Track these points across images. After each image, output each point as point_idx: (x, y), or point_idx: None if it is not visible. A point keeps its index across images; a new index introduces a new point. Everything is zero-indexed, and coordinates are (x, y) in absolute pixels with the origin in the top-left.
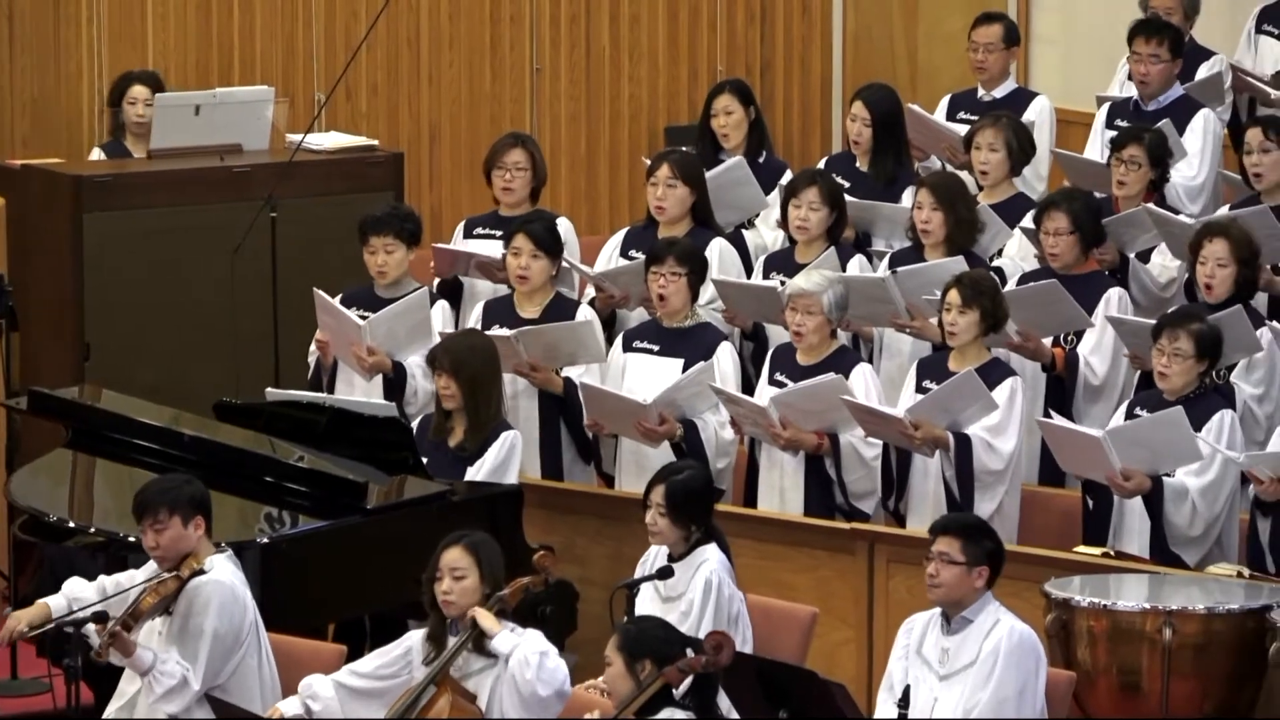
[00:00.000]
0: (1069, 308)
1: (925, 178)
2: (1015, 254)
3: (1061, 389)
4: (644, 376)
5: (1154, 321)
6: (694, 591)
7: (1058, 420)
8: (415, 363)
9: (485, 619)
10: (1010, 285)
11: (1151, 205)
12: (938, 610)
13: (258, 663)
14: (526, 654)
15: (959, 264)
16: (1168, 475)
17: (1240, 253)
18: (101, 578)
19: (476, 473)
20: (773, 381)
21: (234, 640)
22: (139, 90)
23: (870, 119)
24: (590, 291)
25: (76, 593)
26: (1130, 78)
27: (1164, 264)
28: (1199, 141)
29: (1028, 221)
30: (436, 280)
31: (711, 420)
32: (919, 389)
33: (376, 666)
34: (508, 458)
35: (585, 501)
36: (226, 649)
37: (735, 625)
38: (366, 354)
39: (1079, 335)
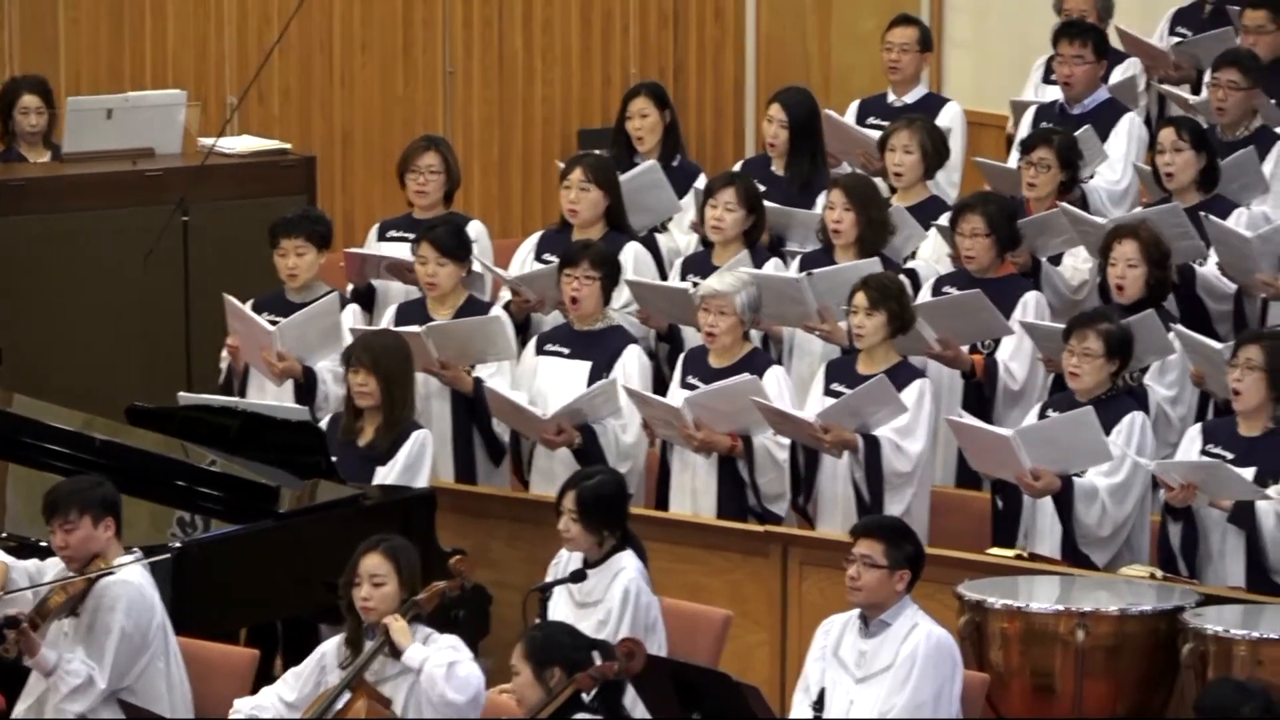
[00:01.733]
0: (990, 316)
1: (838, 179)
2: (929, 256)
3: (982, 396)
4: (555, 379)
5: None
6: (612, 600)
7: (967, 419)
8: (326, 367)
9: (397, 633)
10: (926, 288)
11: (1066, 205)
12: (855, 612)
13: (166, 665)
14: (435, 666)
15: (874, 265)
16: (1078, 475)
17: (1150, 253)
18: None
19: (389, 473)
20: (685, 384)
21: (141, 641)
22: (29, 100)
23: (787, 121)
24: (505, 295)
25: None
26: (1045, 80)
27: (1076, 266)
28: (1123, 145)
29: (944, 220)
30: (350, 285)
31: (611, 426)
32: (828, 391)
33: (299, 688)
34: (419, 457)
35: (498, 505)
36: (134, 649)
37: (652, 631)
38: (277, 359)
39: (996, 341)
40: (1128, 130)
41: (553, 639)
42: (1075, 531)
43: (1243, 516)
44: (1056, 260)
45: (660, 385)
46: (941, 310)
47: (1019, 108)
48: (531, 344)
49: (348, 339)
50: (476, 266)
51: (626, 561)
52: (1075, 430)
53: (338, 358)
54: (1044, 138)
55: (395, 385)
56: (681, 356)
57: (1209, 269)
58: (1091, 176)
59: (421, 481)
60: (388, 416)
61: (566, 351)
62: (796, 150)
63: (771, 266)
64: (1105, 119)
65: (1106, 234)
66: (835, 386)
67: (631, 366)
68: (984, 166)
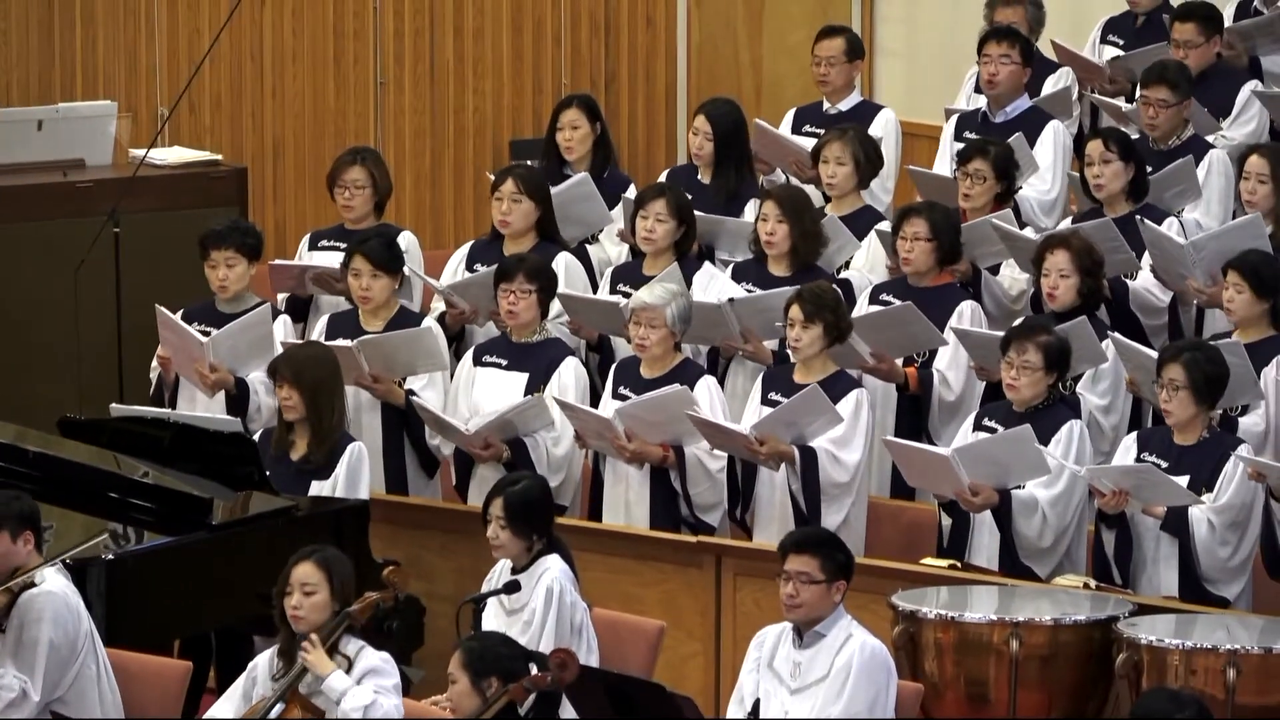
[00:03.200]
0: (924, 328)
1: (771, 190)
2: (863, 266)
3: (918, 408)
4: (492, 391)
5: (1000, 334)
6: (536, 601)
7: (904, 440)
8: (258, 378)
9: (313, 664)
10: (862, 298)
11: (996, 220)
12: (789, 625)
13: (96, 674)
14: (353, 710)
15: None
16: (1017, 488)
17: (1082, 262)
18: None
19: (330, 488)
20: (616, 395)
21: (70, 651)
22: None
23: (711, 133)
24: (438, 306)
25: None
26: (978, 89)
27: (1014, 276)
28: (1050, 155)
29: (885, 225)
30: (283, 295)
31: (543, 439)
32: (765, 401)
33: (237, 707)
34: (358, 470)
35: (430, 516)
36: (63, 660)
37: (579, 635)
38: (209, 371)
39: (932, 352)
40: (1053, 139)
41: (490, 649)
42: (1016, 544)
43: (1175, 523)
44: (996, 270)
45: (594, 396)
46: (874, 323)
47: (954, 116)
48: (469, 355)
49: (280, 350)
50: (410, 275)
51: (551, 564)
52: (1014, 448)
53: None
54: (979, 149)
55: (321, 397)
56: (613, 367)
57: (1141, 283)
58: (1019, 188)
59: (362, 494)
60: (316, 429)
61: (504, 363)
62: (722, 161)
63: (703, 276)
64: (1029, 127)
65: (1039, 244)
66: (773, 396)
67: (569, 378)
68: (916, 175)
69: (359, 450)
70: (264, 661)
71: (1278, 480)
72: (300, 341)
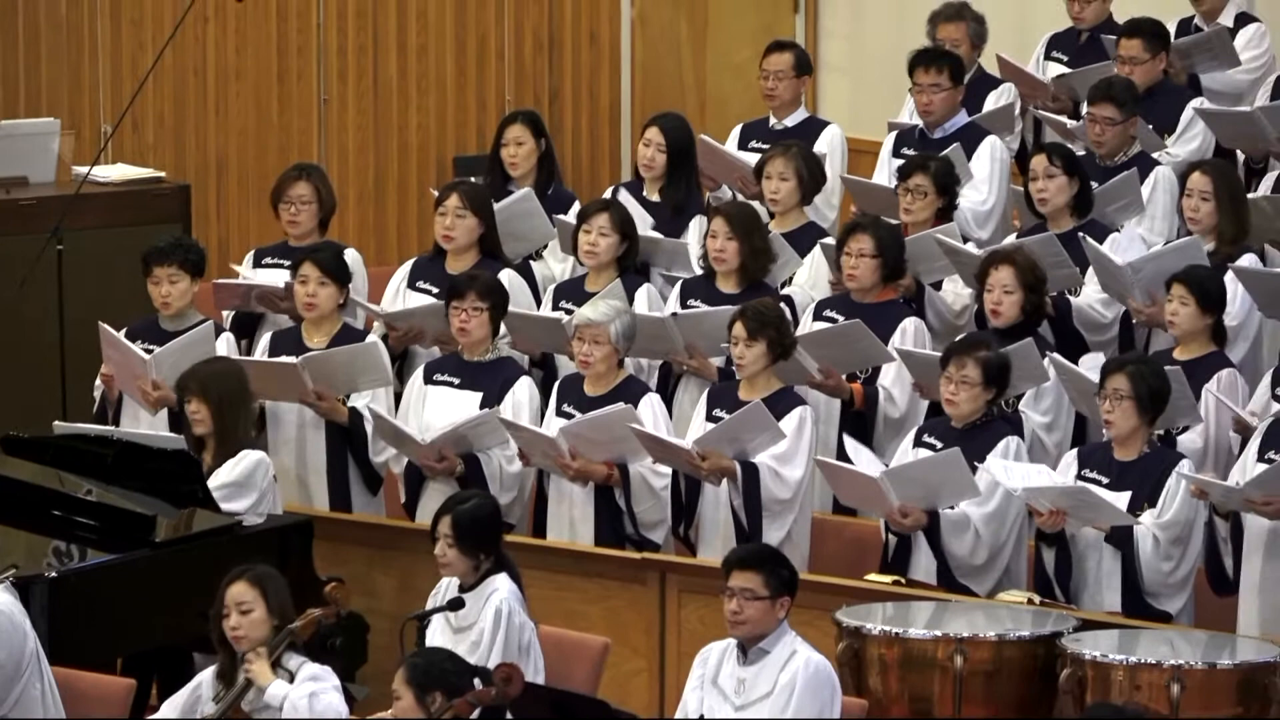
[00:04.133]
0: (871, 344)
1: (720, 207)
2: (805, 282)
3: (863, 424)
4: (444, 409)
5: (940, 353)
6: (484, 621)
7: (835, 460)
8: None
9: (255, 675)
10: (806, 314)
11: (939, 235)
12: (733, 640)
13: (41, 691)
14: (299, 698)
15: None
16: (950, 507)
17: (1026, 279)
18: None
19: (212, 481)
20: (560, 412)
21: (15, 669)
22: None
23: (665, 145)
24: (382, 325)
25: None
26: None
27: (957, 292)
28: (987, 167)
29: (830, 240)
30: (229, 312)
31: (496, 455)
32: (710, 417)
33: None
34: (248, 475)
35: (374, 533)
36: (8, 677)
37: (526, 655)
38: (152, 388)
39: (876, 368)
40: (990, 152)
41: (435, 664)
42: (949, 563)
43: (1120, 537)
44: (938, 285)
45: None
46: (821, 340)
47: (893, 131)
48: (419, 373)
49: None
50: (355, 300)
51: (500, 583)
52: (943, 470)
53: None
54: (920, 164)
55: (226, 411)
56: (556, 384)
57: (1085, 299)
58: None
59: (247, 499)
60: (221, 442)
61: (456, 382)
62: (673, 174)
63: (645, 292)
64: (966, 142)
65: (983, 260)
66: (717, 413)
67: (523, 397)
68: (851, 184)
69: (255, 458)
70: (208, 680)
71: (1220, 497)
72: (208, 358)
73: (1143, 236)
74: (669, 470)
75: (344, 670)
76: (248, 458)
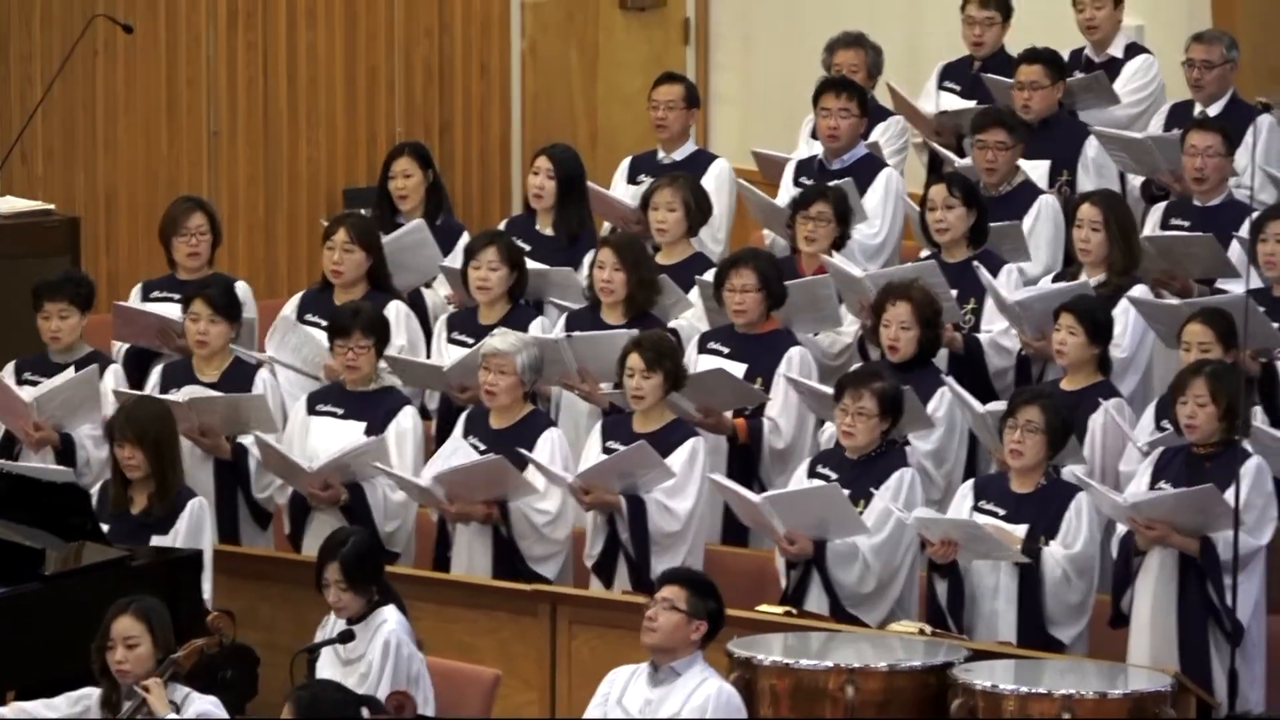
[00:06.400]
0: (741, 388)
1: (607, 238)
2: (691, 315)
3: (749, 458)
4: (327, 439)
5: (830, 390)
6: (373, 653)
7: (725, 480)
8: (85, 433)
9: (154, 701)
10: (690, 346)
11: (834, 261)
12: (645, 664)
13: None
14: None
15: (632, 334)
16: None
17: (923, 314)
18: None
19: (173, 542)
20: (467, 439)
21: None
22: None
23: (554, 173)
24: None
25: None
26: (814, 136)
27: (834, 336)
28: (880, 200)
29: (708, 276)
30: (121, 345)
31: (381, 484)
32: (605, 449)
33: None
34: (199, 523)
35: (268, 566)
36: None
37: (416, 685)
38: (34, 429)
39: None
40: (885, 185)
41: (320, 696)
42: (839, 593)
43: (1024, 567)
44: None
45: (444, 433)
46: (696, 384)
47: (767, 162)
48: (302, 402)
49: (109, 403)
50: (250, 356)
51: (388, 615)
52: (824, 502)
53: (98, 422)
54: (819, 193)
55: (163, 453)
56: (463, 416)
57: (989, 338)
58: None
59: (204, 547)
60: (160, 484)
61: (340, 412)
62: (564, 203)
63: (538, 325)
64: (863, 174)
65: (879, 294)
66: (610, 445)
67: (406, 425)
68: (748, 193)
69: (200, 505)
70: (94, 703)
71: (1108, 510)
72: (134, 399)
73: (1022, 269)
74: (553, 506)
75: (234, 703)
76: (190, 508)
